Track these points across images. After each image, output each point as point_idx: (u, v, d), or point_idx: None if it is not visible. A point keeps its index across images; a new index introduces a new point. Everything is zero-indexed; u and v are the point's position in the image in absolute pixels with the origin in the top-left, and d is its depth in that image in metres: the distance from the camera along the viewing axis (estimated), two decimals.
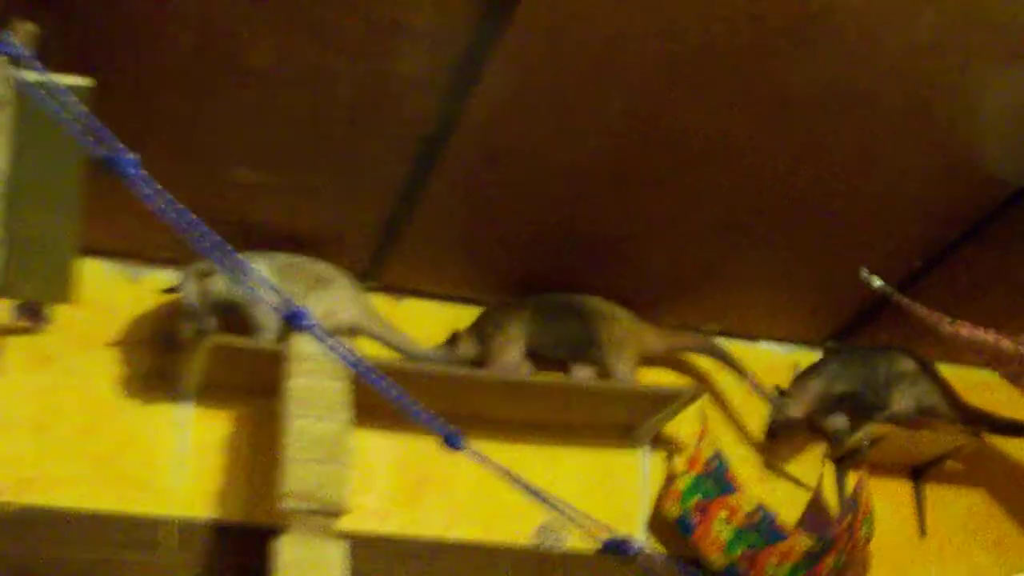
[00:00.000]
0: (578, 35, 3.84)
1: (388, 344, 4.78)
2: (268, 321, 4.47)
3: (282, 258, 4.56)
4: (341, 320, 4.59)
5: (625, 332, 5.05)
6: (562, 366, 5.03)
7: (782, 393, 5.19)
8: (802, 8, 3.74)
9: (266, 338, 4.48)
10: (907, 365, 5.26)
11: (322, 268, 4.65)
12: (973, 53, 3.94)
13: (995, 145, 4.39)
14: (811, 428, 5.32)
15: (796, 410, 5.19)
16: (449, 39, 3.84)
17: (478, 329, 4.97)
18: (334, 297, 4.61)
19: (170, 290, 4.57)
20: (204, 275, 4.44)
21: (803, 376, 5.27)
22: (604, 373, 4.98)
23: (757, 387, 5.22)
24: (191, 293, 4.44)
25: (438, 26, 3.79)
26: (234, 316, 4.52)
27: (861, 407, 5.23)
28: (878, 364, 5.26)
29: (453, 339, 4.92)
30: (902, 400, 5.20)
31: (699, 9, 3.74)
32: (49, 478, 4.52)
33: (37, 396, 4.61)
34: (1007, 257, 4.95)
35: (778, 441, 5.25)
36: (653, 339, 5.15)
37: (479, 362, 4.89)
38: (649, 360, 5.30)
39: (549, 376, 4.97)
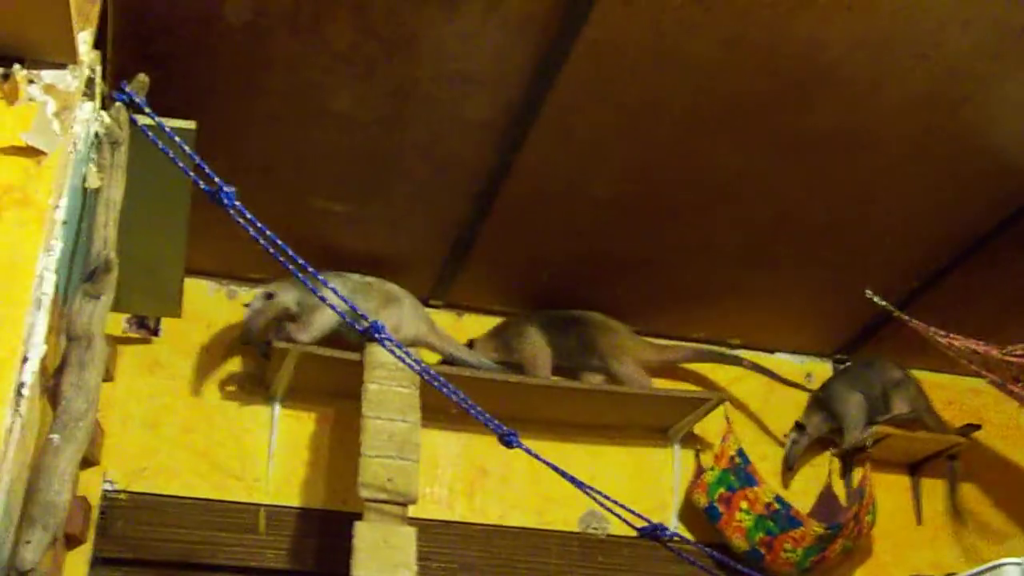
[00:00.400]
0: (618, 88, 3.85)
1: (445, 353, 4.74)
2: (319, 325, 4.45)
3: (356, 278, 4.54)
4: (407, 333, 4.56)
5: (623, 342, 5.00)
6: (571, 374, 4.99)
7: (799, 427, 5.16)
8: (812, 63, 3.74)
9: (310, 336, 4.43)
10: (896, 373, 5.24)
11: (391, 288, 4.63)
12: (961, 103, 3.91)
13: (983, 181, 4.35)
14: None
15: (809, 438, 5.20)
16: (507, 90, 3.83)
17: (499, 338, 4.94)
18: (401, 313, 4.58)
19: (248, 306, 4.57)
20: (269, 297, 4.42)
21: (814, 404, 5.24)
22: (612, 379, 4.94)
23: (775, 376, 5.22)
24: (255, 314, 4.42)
25: (497, 78, 3.79)
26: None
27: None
28: (871, 376, 5.23)
29: (470, 345, 4.90)
30: (900, 404, 5.17)
31: (723, 64, 3.73)
32: (157, 469, 4.51)
33: (148, 398, 4.61)
34: (993, 278, 4.90)
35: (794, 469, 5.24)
36: (647, 350, 5.08)
37: (509, 365, 4.86)
38: (673, 370, 5.28)
39: (594, 383, 4.92)
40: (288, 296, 4.44)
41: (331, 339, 4.47)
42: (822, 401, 5.22)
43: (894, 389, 5.19)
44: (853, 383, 5.23)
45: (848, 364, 5.45)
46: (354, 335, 4.37)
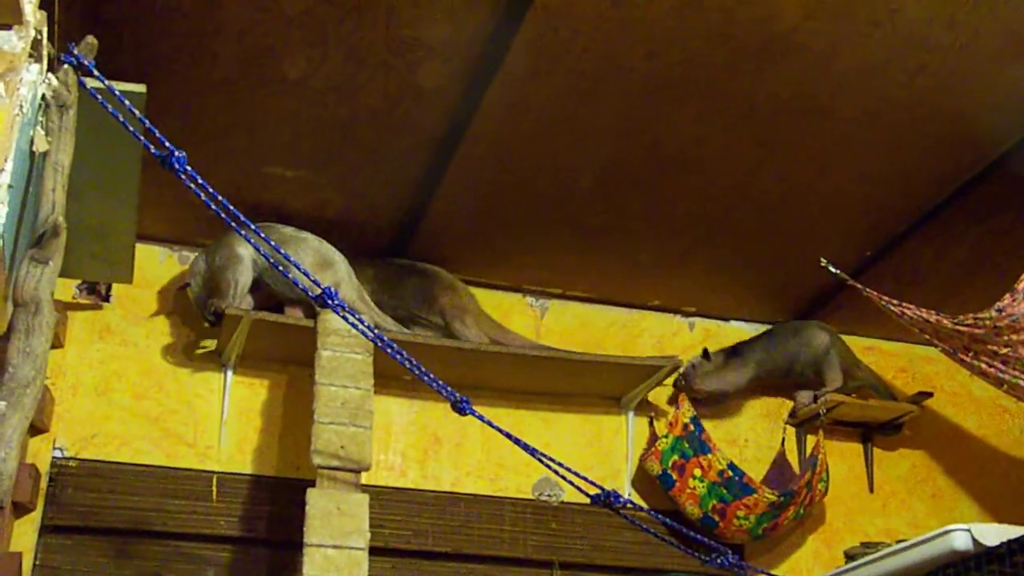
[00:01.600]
0: (573, 54, 3.84)
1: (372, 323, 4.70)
2: (239, 285, 4.47)
3: (289, 231, 4.51)
4: (343, 297, 4.54)
5: (465, 303, 4.95)
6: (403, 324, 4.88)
7: (705, 356, 5.14)
8: (768, 29, 3.75)
9: (230, 299, 4.43)
10: (823, 338, 5.23)
11: (327, 249, 4.59)
12: (917, 72, 3.94)
13: (937, 150, 4.38)
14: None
15: (728, 385, 5.18)
16: (461, 55, 3.83)
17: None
18: (337, 278, 4.54)
19: (182, 287, 4.62)
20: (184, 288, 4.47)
21: (733, 354, 5.24)
22: (448, 335, 4.87)
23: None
24: (195, 286, 4.48)
25: (451, 43, 3.79)
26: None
27: (797, 382, 5.26)
28: (796, 348, 5.24)
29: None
30: (832, 372, 5.19)
31: (678, 31, 3.74)
32: (108, 436, 4.49)
33: (99, 364, 4.58)
34: (945, 248, 4.95)
35: (708, 403, 5.22)
36: (484, 321, 4.99)
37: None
38: (635, 335, 5.29)
39: (548, 349, 4.93)
40: (199, 264, 4.51)
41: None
42: (731, 352, 5.24)
43: (825, 357, 5.21)
44: (771, 355, 5.26)
45: (775, 327, 5.42)
46: (287, 289, 4.46)
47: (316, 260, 4.50)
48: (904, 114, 4.17)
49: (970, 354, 4.48)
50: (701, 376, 5.10)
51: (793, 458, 5.25)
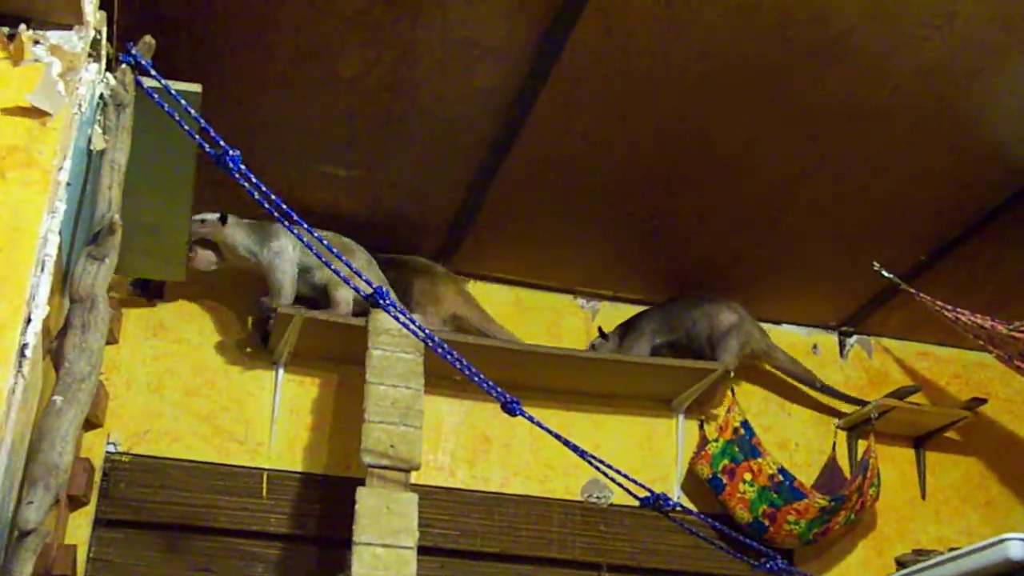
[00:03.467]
0: (626, 55, 3.84)
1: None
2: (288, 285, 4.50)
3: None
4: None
5: (438, 290, 4.87)
6: None
7: (603, 336, 5.07)
8: (824, 32, 3.73)
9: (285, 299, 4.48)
10: (730, 318, 5.08)
11: (347, 241, 4.59)
12: (974, 74, 3.90)
13: (994, 155, 4.34)
14: None
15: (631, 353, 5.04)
16: (515, 55, 3.84)
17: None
18: (357, 267, 4.52)
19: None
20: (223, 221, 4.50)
21: (627, 329, 5.11)
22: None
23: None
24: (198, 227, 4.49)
25: (506, 43, 3.79)
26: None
27: (689, 354, 5.07)
28: (699, 317, 5.08)
29: None
30: (726, 352, 4.99)
31: (734, 32, 3.73)
32: (160, 432, 4.53)
33: (151, 361, 4.62)
34: (1001, 254, 4.90)
35: None
36: (463, 306, 4.94)
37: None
38: None
39: (599, 352, 4.93)
40: (240, 237, 4.51)
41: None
42: (625, 326, 5.13)
43: (721, 337, 5.03)
44: (666, 323, 5.10)
45: (680, 297, 5.22)
46: (307, 288, 4.52)
47: (337, 247, 4.48)
48: (960, 118, 4.13)
49: None
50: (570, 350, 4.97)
51: (844, 463, 5.21)
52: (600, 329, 5.08)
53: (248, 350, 4.72)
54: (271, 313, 4.50)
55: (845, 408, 5.31)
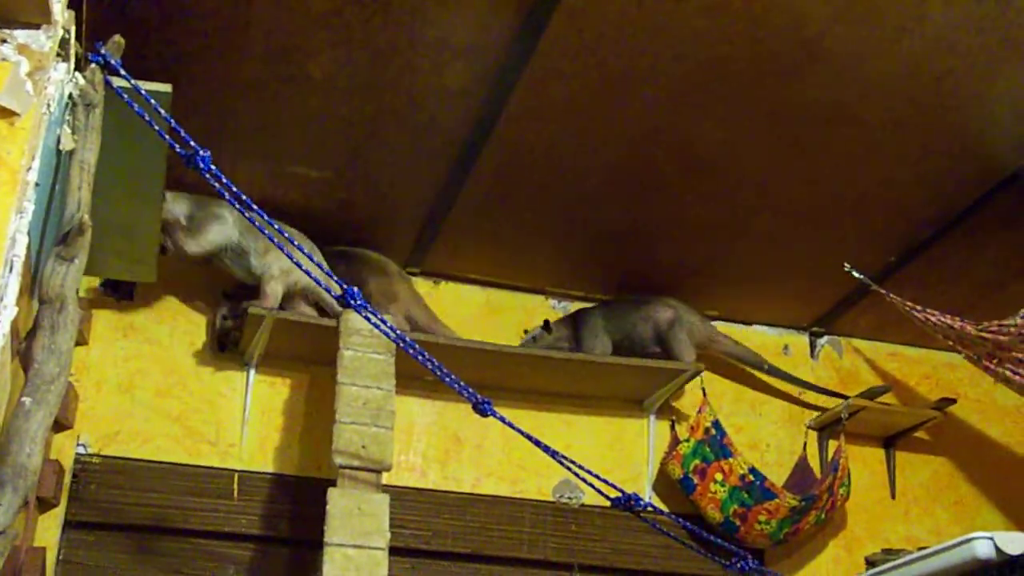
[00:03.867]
0: (598, 56, 3.83)
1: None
2: (211, 238, 4.45)
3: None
4: (297, 279, 4.55)
5: (395, 289, 4.85)
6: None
7: (546, 328, 5.01)
8: (795, 34, 3.74)
9: (199, 247, 4.45)
10: (667, 313, 5.06)
11: (292, 232, 4.51)
12: (944, 76, 3.92)
13: (965, 156, 4.36)
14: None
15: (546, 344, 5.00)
16: (487, 56, 3.83)
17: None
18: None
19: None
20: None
21: (579, 320, 5.08)
22: None
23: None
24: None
25: (477, 45, 3.79)
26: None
27: (649, 354, 5.04)
28: (638, 320, 5.06)
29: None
30: (680, 346, 4.99)
31: (707, 34, 3.73)
32: (131, 433, 4.52)
33: (122, 362, 4.60)
34: (971, 255, 4.92)
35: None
36: (415, 306, 4.92)
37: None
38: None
39: (569, 353, 4.93)
40: (179, 207, 4.44)
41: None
42: (576, 322, 5.09)
43: (670, 330, 5.02)
44: (611, 323, 5.06)
45: (618, 298, 5.22)
46: (242, 271, 4.49)
47: (265, 241, 4.40)
48: (931, 120, 4.15)
49: (994, 361, 4.46)
50: (542, 349, 4.96)
51: (815, 463, 5.23)
52: (546, 321, 5.03)
53: (219, 351, 4.70)
54: (228, 318, 4.50)
55: (816, 407, 5.33)
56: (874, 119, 4.15)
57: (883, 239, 4.86)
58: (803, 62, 3.85)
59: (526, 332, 5.08)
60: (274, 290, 4.49)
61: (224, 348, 4.66)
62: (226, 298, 4.66)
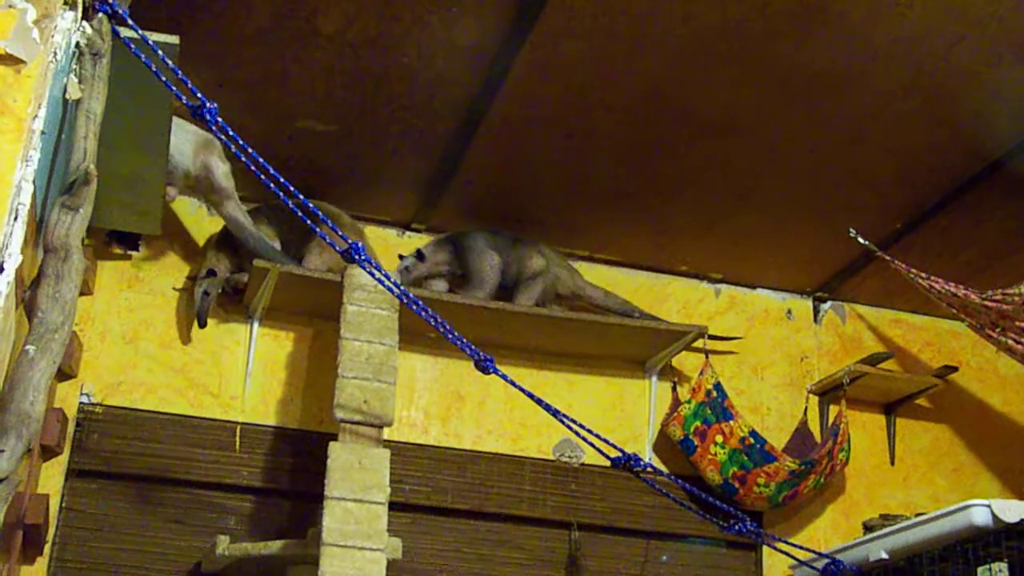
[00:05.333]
0: (608, 15, 3.82)
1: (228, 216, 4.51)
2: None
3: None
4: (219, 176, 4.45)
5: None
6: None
7: (419, 257, 4.81)
8: None
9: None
10: (538, 263, 4.93)
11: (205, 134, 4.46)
12: (953, 44, 3.90)
13: (971, 124, 4.35)
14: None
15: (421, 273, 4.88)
16: (496, 12, 3.82)
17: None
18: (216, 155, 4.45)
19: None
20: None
21: (458, 244, 4.92)
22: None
23: None
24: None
25: (487, 2, 3.77)
26: None
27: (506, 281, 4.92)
28: (510, 260, 4.92)
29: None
30: (525, 295, 4.86)
31: None
32: (134, 383, 4.53)
33: (126, 312, 4.61)
34: (977, 223, 4.91)
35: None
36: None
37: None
38: (661, 300, 5.28)
39: (572, 312, 4.93)
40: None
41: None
42: (457, 244, 4.91)
43: (525, 280, 4.91)
44: (498, 247, 4.92)
45: (497, 231, 5.01)
46: None
47: (198, 141, 4.37)
48: (940, 86, 4.13)
49: (997, 330, 4.47)
50: (416, 278, 4.85)
51: (815, 427, 5.24)
52: (419, 250, 4.84)
53: (223, 303, 4.70)
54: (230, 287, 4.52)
55: (817, 373, 5.35)
56: (881, 85, 4.13)
57: (889, 205, 4.85)
58: (812, 26, 3.84)
59: (401, 258, 4.87)
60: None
61: (204, 324, 4.56)
62: (209, 275, 4.58)
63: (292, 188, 3.23)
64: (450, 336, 3.59)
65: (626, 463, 3.93)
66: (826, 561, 4.43)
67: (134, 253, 4.66)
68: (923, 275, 4.58)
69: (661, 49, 3.98)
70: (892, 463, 5.39)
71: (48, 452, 4.23)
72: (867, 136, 4.43)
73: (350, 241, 3.35)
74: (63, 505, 4.30)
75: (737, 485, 4.86)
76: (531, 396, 3.72)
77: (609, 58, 4.03)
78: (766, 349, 5.39)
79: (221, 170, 4.37)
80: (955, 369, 5.33)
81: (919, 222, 4.91)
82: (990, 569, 3.89)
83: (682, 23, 3.85)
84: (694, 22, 3.84)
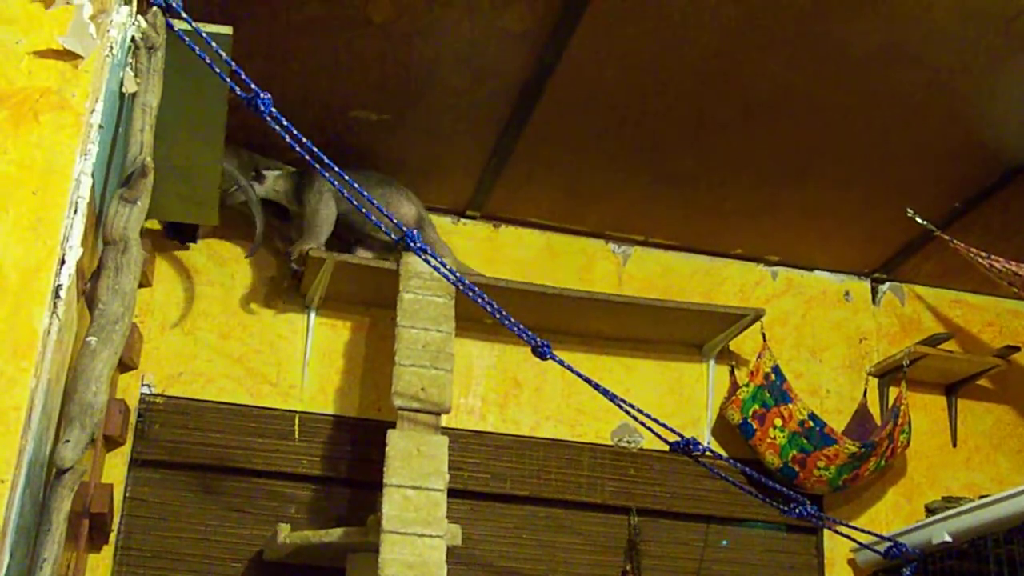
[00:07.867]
0: None
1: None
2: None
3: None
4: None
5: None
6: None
7: (258, 178, 4.56)
8: None
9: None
10: (408, 211, 4.65)
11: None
12: (1014, 18, 3.85)
13: None
14: None
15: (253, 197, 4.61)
16: (548, 0, 3.81)
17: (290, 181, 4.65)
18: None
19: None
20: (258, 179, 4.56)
21: (301, 178, 4.62)
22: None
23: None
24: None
25: None
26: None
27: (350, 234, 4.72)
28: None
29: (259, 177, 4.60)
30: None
31: None
32: (194, 374, 4.57)
33: (185, 303, 4.65)
34: None
35: None
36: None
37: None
38: (718, 283, 5.27)
39: (629, 296, 4.92)
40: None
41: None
42: (302, 180, 4.60)
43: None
44: (334, 193, 4.52)
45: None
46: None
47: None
48: (998, 62, 4.08)
49: None
50: (248, 201, 4.59)
51: (875, 410, 5.21)
52: (257, 169, 4.59)
53: (281, 293, 4.74)
54: (295, 259, 4.52)
55: (876, 355, 5.31)
56: (939, 62, 4.09)
57: (948, 184, 4.81)
58: (867, 2, 3.80)
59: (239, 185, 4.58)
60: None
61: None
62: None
63: (347, 177, 3.25)
64: (507, 322, 3.61)
65: (685, 447, 3.93)
66: (888, 544, 4.41)
67: (192, 244, 4.70)
68: (983, 254, 4.53)
69: (713, 30, 3.96)
70: (954, 445, 5.35)
71: (111, 442, 4.29)
72: (924, 114, 4.38)
73: (405, 228, 3.37)
74: (127, 495, 4.36)
75: (797, 468, 4.84)
76: (588, 381, 3.72)
77: (661, 40, 4.02)
78: (824, 331, 5.36)
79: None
80: (1017, 349, 5.28)
81: (978, 200, 4.86)
82: None
83: (733, 4, 3.83)
84: (744, 3, 3.82)
